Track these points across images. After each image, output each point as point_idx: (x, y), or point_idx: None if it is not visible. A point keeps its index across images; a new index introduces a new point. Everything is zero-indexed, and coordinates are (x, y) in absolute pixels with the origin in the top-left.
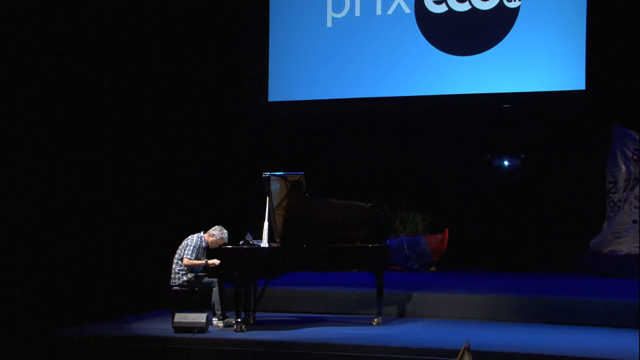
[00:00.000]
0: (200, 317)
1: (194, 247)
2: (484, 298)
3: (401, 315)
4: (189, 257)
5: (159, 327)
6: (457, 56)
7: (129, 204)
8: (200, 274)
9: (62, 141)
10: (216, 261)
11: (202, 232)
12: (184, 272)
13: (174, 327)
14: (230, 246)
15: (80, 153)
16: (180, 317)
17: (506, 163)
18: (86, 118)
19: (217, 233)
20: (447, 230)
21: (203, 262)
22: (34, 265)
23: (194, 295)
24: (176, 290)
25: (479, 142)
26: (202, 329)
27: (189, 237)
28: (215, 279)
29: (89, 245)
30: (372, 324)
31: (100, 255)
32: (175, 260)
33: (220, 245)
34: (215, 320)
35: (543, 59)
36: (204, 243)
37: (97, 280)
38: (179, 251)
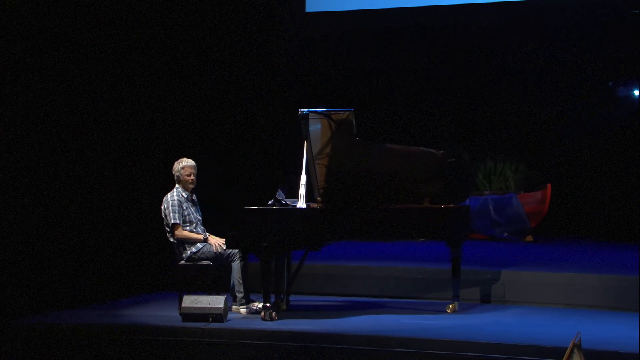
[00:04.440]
0: (216, 302)
1: (173, 206)
2: (599, 278)
3: (485, 300)
4: (177, 221)
5: (161, 313)
6: None
7: (124, 159)
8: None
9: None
10: (220, 241)
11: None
12: (188, 243)
13: (181, 314)
14: (255, 207)
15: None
16: (190, 301)
17: (637, 92)
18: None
19: (175, 167)
20: (549, 186)
21: (201, 236)
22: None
23: (207, 273)
24: (184, 265)
25: (596, 63)
26: (219, 316)
27: (165, 197)
28: (237, 251)
29: (75, 212)
30: (446, 312)
31: (88, 224)
32: (168, 235)
33: (194, 175)
34: (235, 306)
35: None
36: (183, 193)
37: (85, 255)
38: (164, 220)
